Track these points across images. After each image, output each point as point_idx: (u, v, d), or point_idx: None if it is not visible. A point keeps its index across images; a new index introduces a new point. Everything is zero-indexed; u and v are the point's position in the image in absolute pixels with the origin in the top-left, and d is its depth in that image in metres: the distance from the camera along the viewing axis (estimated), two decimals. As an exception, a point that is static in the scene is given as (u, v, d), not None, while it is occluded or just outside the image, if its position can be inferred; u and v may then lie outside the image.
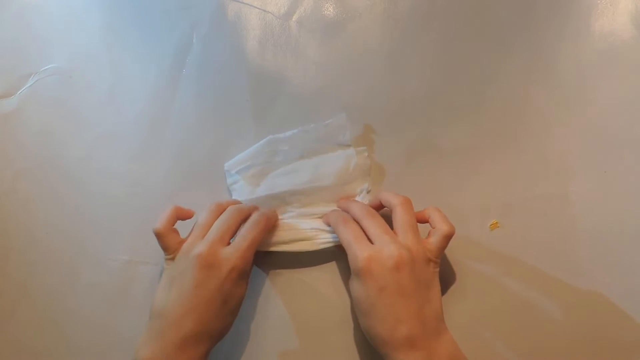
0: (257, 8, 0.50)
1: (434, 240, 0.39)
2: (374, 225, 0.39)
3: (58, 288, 0.48)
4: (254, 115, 0.49)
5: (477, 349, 0.42)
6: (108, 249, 0.49)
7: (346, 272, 0.46)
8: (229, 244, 0.40)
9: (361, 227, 0.40)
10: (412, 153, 0.47)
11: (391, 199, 0.41)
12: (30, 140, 0.51)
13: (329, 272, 0.46)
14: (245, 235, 0.40)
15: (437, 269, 0.39)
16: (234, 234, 0.41)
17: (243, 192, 0.47)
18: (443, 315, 0.38)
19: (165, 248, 0.41)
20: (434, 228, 0.40)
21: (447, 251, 0.45)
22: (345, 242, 0.39)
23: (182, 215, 0.43)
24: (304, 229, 0.44)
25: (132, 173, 0.50)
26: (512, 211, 0.45)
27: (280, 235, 0.44)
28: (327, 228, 0.44)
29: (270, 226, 0.43)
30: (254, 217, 0.42)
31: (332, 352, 0.45)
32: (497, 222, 0.45)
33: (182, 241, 0.41)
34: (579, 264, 0.44)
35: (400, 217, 0.39)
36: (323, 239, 0.44)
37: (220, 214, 0.42)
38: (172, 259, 0.40)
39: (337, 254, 0.45)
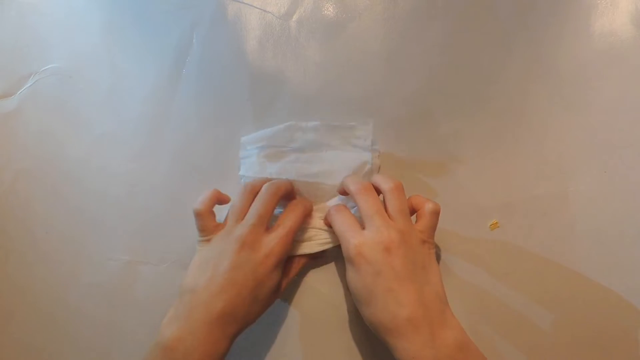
0: (257, 8, 0.50)
1: (422, 221, 0.39)
2: (367, 204, 0.38)
3: (58, 288, 0.48)
4: (254, 115, 0.49)
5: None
6: (108, 249, 0.49)
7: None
8: (267, 226, 0.40)
9: (355, 202, 0.40)
10: (412, 153, 0.47)
11: (382, 183, 0.40)
12: (30, 140, 0.51)
13: (329, 272, 0.46)
14: (285, 224, 0.40)
15: (433, 250, 0.39)
16: (272, 215, 0.41)
17: (252, 168, 0.46)
18: (446, 297, 0.37)
19: (203, 229, 0.41)
20: (418, 210, 0.40)
21: (446, 251, 0.45)
22: (338, 232, 0.39)
23: (222, 199, 0.43)
24: (304, 228, 0.44)
25: (132, 173, 0.50)
26: (512, 211, 0.45)
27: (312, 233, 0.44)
28: (327, 228, 0.44)
29: (307, 214, 0.43)
30: (293, 205, 0.42)
31: (332, 352, 0.45)
32: (497, 222, 0.45)
33: (218, 225, 0.41)
34: (578, 263, 0.44)
35: (390, 202, 0.39)
36: (322, 240, 0.44)
37: (255, 195, 0.42)
38: (208, 240, 0.41)
39: (337, 254, 0.45)
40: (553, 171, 0.46)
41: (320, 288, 0.46)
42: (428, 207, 0.39)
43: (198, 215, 0.41)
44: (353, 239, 0.37)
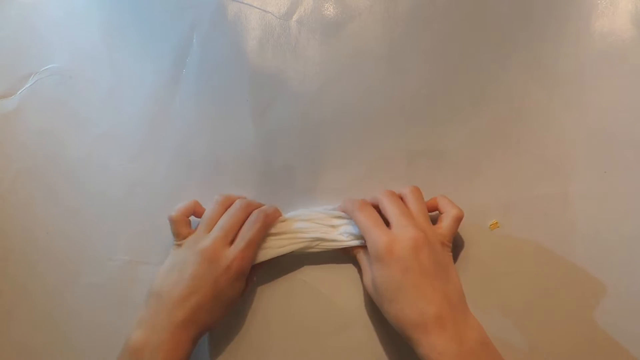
0: (257, 8, 0.50)
1: (445, 224, 0.41)
2: (393, 205, 0.41)
3: (58, 288, 0.48)
4: (254, 115, 0.49)
5: (477, 349, 0.42)
6: (108, 249, 0.49)
7: (346, 272, 0.46)
8: (233, 241, 0.41)
9: (380, 207, 0.42)
10: (412, 153, 0.47)
11: (401, 188, 0.43)
12: (30, 140, 0.51)
13: (329, 272, 0.46)
14: (243, 235, 0.41)
15: (451, 254, 0.41)
16: (238, 231, 0.42)
17: None
18: (465, 297, 0.39)
19: (176, 234, 0.43)
20: (442, 213, 0.42)
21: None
22: (364, 228, 0.40)
23: (197, 212, 0.45)
24: (307, 229, 0.44)
25: (132, 173, 0.50)
26: (512, 211, 0.45)
27: (284, 239, 0.44)
28: (334, 229, 0.44)
29: (270, 223, 0.44)
30: (253, 215, 0.43)
31: (333, 352, 0.45)
32: (497, 222, 0.45)
33: (192, 231, 0.43)
34: (578, 264, 0.44)
35: (411, 203, 0.41)
36: (297, 242, 0.44)
37: (227, 207, 0.44)
38: (180, 245, 0.43)
39: (337, 255, 0.45)
40: (553, 171, 0.46)
41: (320, 288, 0.46)
42: (452, 212, 0.41)
43: (171, 221, 0.43)
44: (384, 236, 0.38)
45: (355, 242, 0.43)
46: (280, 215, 0.45)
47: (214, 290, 0.39)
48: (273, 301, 0.46)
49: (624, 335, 0.43)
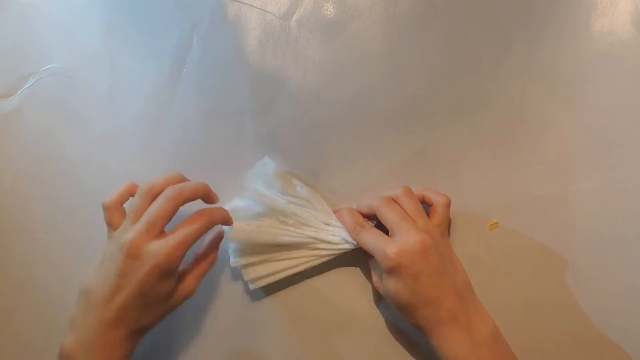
0: (257, 8, 0.50)
1: (438, 215, 0.42)
2: (392, 212, 0.41)
3: (58, 288, 0.48)
4: (254, 115, 0.49)
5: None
6: (108, 249, 0.48)
7: (347, 272, 0.46)
8: (163, 232, 0.38)
9: (378, 216, 0.42)
10: (412, 153, 0.47)
11: (394, 190, 0.43)
12: (30, 140, 0.51)
13: (330, 272, 0.46)
14: (178, 232, 0.38)
15: (449, 240, 0.43)
16: (168, 221, 0.38)
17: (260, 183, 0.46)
18: (472, 285, 0.41)
19: (109, 223, 0.41)
20: (432, 204, 0.43)
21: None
22: (370, 246, 0.40)
23: (134, 194, 0.42)
24: (306, 241, 0.44)
25: (132, 173, 0.49)
26: (512, 211, 0.45)
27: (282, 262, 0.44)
28: (330, 238, 0.44)
29: (211, 225, 0.40)
30: (195, 214, 0.39)
31: (333, 352, 0.45)
32: (497, 222, 0.45)
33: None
34: (578, 264, 0.44)
35: (406, 205, 0.42)
36: (327, 251, 0.44)
37: (155, 194, 0.39)
38: (111, 236, 0.40)
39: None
40: (553, 171, 0.46)
41: (320, 288, 0.46)
42: (441, 200, 0.43)
43: (104, 207, 0.41)
44: (390, 248, 0.38)
45: (350, 246, 0.43)
46: (229, 220, 0.42)
47: (139, 288, 0.36)
48: (273, 301, 0.46)
49: (624, 335, 0.43)
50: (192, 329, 0.47)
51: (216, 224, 0.41)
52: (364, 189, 0.47)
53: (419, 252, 0.38)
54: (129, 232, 0.37)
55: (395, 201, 0.43)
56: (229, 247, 0.45)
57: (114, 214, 0.41)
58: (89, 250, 0.49)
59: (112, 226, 0.40)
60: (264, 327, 0.46)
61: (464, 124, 0.47)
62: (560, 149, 0.46)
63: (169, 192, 0.39)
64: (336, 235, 0.44)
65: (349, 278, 0.46)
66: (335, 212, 0.45)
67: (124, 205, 0.42)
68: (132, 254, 0.36)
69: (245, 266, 0.44)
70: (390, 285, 0.39)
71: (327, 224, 0.44)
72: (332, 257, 0.44)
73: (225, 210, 0.42)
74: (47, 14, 0.53)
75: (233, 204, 0.45)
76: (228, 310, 0.47)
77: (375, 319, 0.45)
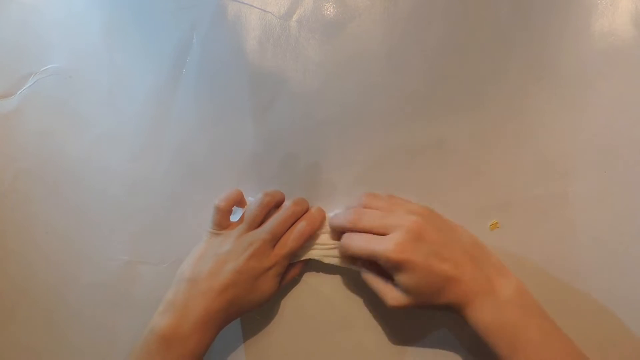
0: (257, 8, 0.50)
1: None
2: (370, 220, 0.40)
3: (58, 288, 0.48)
4: (254, 115, 0.49)
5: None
6: (108, 249, 0.49)
7: (347, 272, 0.46)
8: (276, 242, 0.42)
9: (361, 226, 0.40)
10: (412, 153, 0.47)
11: (356, 201, 0.43)
12: (30, 140, 0.51)
13: (330, 272, 0.46)
14: (288, 244, 0.42)
15: (434, 210, 0.42)
16: (285, 232, 0.43)
17: None
18: (481, 242, 0.40)
19: (217, 223, 0.43)
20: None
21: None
22: (368, 255, 0.39)
23: (242, 202, 0.45)
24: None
25: (132, 173, 0.50)
26: (512, 211, 0.45)
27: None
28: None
29: (315, 230, 0.44)
30: (301, 226, 0.43)
31: (333, 352, 0.45)
32: (497, 222, 0.45)
33: (231, 224, 0.44)
34: (578, 263, 0.44)
35: (377, 202, 0.42)
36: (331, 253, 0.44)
37: (271, 207, 0.44)
38: (218, 235, 0.43)
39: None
40: (553, 171, 0.46)
41: (320, 288, 0.46)
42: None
43: (218, 210, 0.43)
44: (387, 246, 0.37)
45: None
46: (324, 223, 0.45)
47: (252, 287, 0.40)
48: (273, 301, 0.46)
49: (625, 335, 0.42)
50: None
51: (319, 227, 0.44)
52: (364, 189, 0.47)
53: (415, 237, 0.37)
54: (256, 238, 0.41)
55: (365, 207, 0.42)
56: None
57: (224, 216, 0.43)
58: (89, 250, 0.49)
59: (220, 226, 0.43)
60: (262, 326, 0.46)
61: (464, 123, 0.47)
62: (560, 149, 0.46)
63: (292, 209, 0.43)
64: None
65: (349, 278, 0.46)
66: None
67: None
68: (257, 258, 0.41)
69: None
70: (406, 281, 0.37)
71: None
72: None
73: (323, 215, 0.45)
74: (47, 14, 0.53)
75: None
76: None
77: (374, 318, 0.45)
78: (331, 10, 0.50)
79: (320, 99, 0.49)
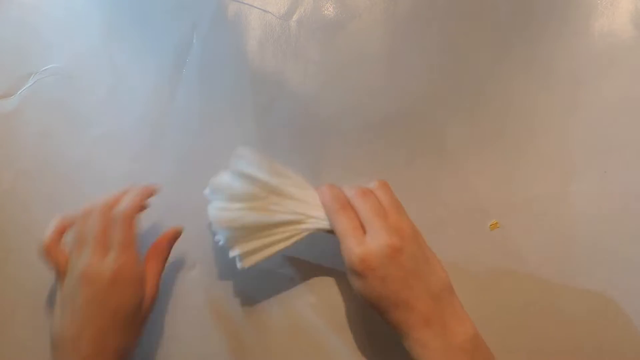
0: (257, 8, 0.50)
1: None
2: (366, 205, 0.38)
3: (58, 288, 0.48)
4: (254, 115, 0.49)
5: (477, 349, 0.42)
6: (108, 249, 0.48)
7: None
8: (109, 247, 0.38)
9: (354, 205, 0.38)
10: (412, 153, 0.47)
11: (369, 184, 0.40)
12: (30, 140, 0.51)
13: (330, 272, 0.46)
14: (112, 243, 0.38)
15: (422, 237, 0.39)
16: (107, 234, 0.38)
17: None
18: (452, 286, 0.37)
19: (56, 266, 0.39)
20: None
21: (446, 251, 0.45)
22: (340, 233, 0.37)
23: (70, 223, 0.41)
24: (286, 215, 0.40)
25: (132, 173, 0.49)
26: (512, 211, 0.45)
27: (265, 236, 0.40)
28: (319, 214, 0.40)
29: (133, 216, 0.40)
30: (113, 219, 0.39)
31: (332, 352, 0.45)
32: (497, 222, 0.45)
33: (67, 256, 0.39)
34: (578, 264, 0.44)
35: (383, 197, 0.39)
36: (309, 224, 0.40)
37: (90, 217, 0.39)
38: (62, 280, 0.39)
39: (335, 253, 0.45)
40: (553, 171, 0.46)
41: (321, 288, 0.46)
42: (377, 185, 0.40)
43: (46, 252, 0.39)
44: (356, 249, 0.36)
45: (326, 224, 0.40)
46: (142, 198, 0.41)
47: (109, 310, 0.36)
48: (273, 301, 0.46)
49: (625, 335, 0.43)
50: (188, 333, 0.47)
51: (138, 208, 0.40)
52: (364, 189, 0.47)
53: (387, 256, 0.35)
54: (82, 260, 0.37)
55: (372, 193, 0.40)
56: (214, 229, 0.42)
57: (56, 254, 0.39)
58: (89, 250, 0.49)
59: (60, 266, 0.39)
60: (262, 326, 0.46)
61: (464, 123, 0.47)
62: (560, 149, 0.46)
63: (100, 209, 0.39)
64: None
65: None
66: (317, 189, 0.42)
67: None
68: (91, 279, 0.36)
69: (233, 242, 0.40)
70: (355, 284, 0.37)
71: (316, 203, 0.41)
72: (321, 231, 0.41)
73: (149, 186, 0.42)
74: (47, 14, 0.53)
75: (218, 180, 0.42)
76: (227, 315, 0.47)
77: (374, 318, 0.45)
78: (331, 10, 0.50)
79: (320, 99, 0.49)
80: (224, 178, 0.42)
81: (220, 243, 0.41)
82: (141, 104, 0.51)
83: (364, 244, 0.36)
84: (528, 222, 0.45)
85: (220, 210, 0.41)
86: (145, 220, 0.49)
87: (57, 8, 0.53)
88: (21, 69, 0.52)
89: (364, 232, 0.37)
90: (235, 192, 0.41)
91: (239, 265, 0.40)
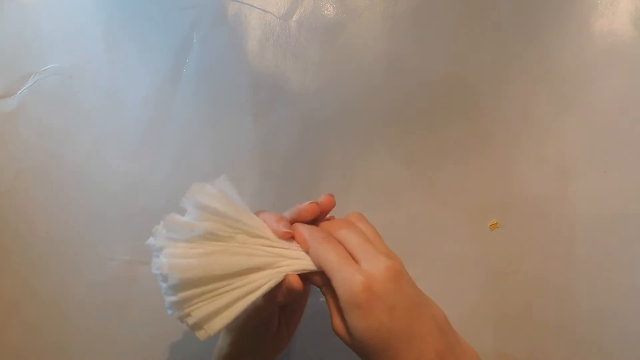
0: (257, 8, 0.50)
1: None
2: (353, 236, 0.33)
3: (58, 288, 0.48)
4: (254, 115, 0.49)
5: (476, 349, 0.42)
6: (108, 249, 0.49)
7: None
8: None
9: (338, 239, 0.34)
10: (412, 153, 0.47)
11: (346, 217, 0.37)
12: (30, 140, 0.51)
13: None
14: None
15: None
16: None
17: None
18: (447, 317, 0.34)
19: None
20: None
21: (446, 251, 0.45)
22: (331, 264, 0.32)
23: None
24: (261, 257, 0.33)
25: (132, 173, 0.50)
26: (512, 211, 0.45)
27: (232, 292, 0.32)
28: (295, 254, 0.34)
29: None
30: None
31: (332, 352, 0.45)
32: (497, 222, 0.45)
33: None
34: (578, 264, 0.44)
35: (366, 229, 0.35)
36: (287, 266, 0.33)
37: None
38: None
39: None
40: (553, 171, 0.46)
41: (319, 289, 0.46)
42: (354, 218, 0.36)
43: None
44: (357, 276, 0.30)
45: (307, 264, 0.33)
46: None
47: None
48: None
49: (625, 335, 0.43)
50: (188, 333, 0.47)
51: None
52: (364, 189, 0.47)
53: (391, 279, 0.30)
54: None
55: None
56: (163, 287, 0.32)
57: None
58: (89, 251, 0.49)
59: None
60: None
61: (464, 124, 0.47)
62: (560, 149, 0.46)
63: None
64: (299, 251, 0.34)
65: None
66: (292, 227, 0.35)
67: None
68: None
69: (189, 306, 0.31)
70: (356, 323, 0.30)
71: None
72: (300, 272, 0.33)
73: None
74: (47, 14, 0.53)
75: (170, 219, 0.33)
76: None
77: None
78: (331, 10, 0.50)
79: (320, 99, 0.49)
80: (178, 217, 0.34)
81: (170, 312, 0.32)
82: (141, 104, 0.51)
83: (364, 271, 0.31)
84: (528, 222, 0.45)
85: (173, 258, 0.31)
86: (145, 220, 0.49)
87: (57, 8, 0.53)
88: (21, 69, 0.52)
89: (357, 261, 0.32)
90: (193, 234, 0.32)
91: (199, 335, 0.32)
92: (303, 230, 0.34)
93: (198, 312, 0.31)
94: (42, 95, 0.52)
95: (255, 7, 0.50)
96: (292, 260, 0.33)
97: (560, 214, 0.45)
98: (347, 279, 0.31)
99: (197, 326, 0.31)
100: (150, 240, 0.34)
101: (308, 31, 0.50)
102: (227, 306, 0.31)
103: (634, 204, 0.44)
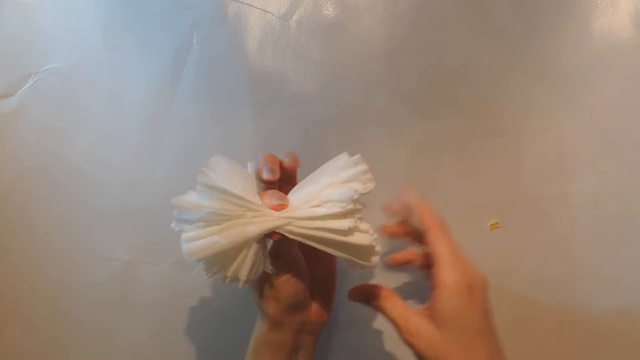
0: (257, 8, 0.50)
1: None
2: (449, 239, 0.36)
3: (58, 288, 0.48)
4: (254, 115, 0.49)
5: (477, 349, 0.42)
6: (108, 249, 0.49)
7: (346, 272, 0.46)
8: None
9: (430, 237, 0.37)
10: (412, 153, 0.47)
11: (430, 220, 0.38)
12: (29, 140, 0.51)
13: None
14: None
15: None
16: None
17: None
18: None
19: None
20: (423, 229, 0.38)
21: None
22: (445, 257, 0.35)
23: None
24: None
25: (132, 173, 0.50)
26: (512, 211, 0.45)
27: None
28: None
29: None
30: None
31: (332, 352, 0.45)
32: (497, 222, 0.45)
33: None
34: (578, 264, 0.44)
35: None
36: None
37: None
38: None
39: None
40: (553, 171, 0.46)
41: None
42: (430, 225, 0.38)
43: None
44: (472, 269, 0.35)
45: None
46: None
47: None
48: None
49: (626, 335, 0.42)
50: (187, 334, 0.47)
51: None
52: (364, 189, 0.47)
53: (486, 290, 0.34)
54: None
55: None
56: (190, 264, 0.35)
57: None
58: (89, 250, 0.49)
59: None
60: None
61: (464, 124, 0.47)
62: (560, 149, 0.46)
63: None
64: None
65: (347, 277, 0.46)
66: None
67: None
68: None
69: (217, 269, 0.35)
70: (454, 306, 0.33)
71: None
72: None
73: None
74: (47, 14, 0.53)
75: (182, 201, 0.37)
76: (228, 316, 0.47)
77: (375, 318, 0.45)
78: (331, 10, 0.50)
79: (320, 99, 0.49)
80: (190, 199, 0.37)
81: (206, 277, 0.35)
82: (141, 104, 0.51)
83: (468, 270, 0.35)
84: (528, 222, 0.45)
85: (190, 241, 0.34)
86: (145, 220, 0.49)
87: (57, 8, 0.53)
88: (21, 69, 0.52)
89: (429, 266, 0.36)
90: (205, 214, 0.35)
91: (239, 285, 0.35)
92: (428, 211, 0.38)
93: (229, 272, 0.34)
94: (42, 95, 0.52)
95: (255, 7, 0.50)
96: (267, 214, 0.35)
97: (560, 214, 0.45)
98: (458, 270, 0.34)
99: (227, 281, 0.35)
100: (172, 225, 0.37)
101: (308, 31, 0.50)
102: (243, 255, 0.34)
103: (634, 204, 0.44)
